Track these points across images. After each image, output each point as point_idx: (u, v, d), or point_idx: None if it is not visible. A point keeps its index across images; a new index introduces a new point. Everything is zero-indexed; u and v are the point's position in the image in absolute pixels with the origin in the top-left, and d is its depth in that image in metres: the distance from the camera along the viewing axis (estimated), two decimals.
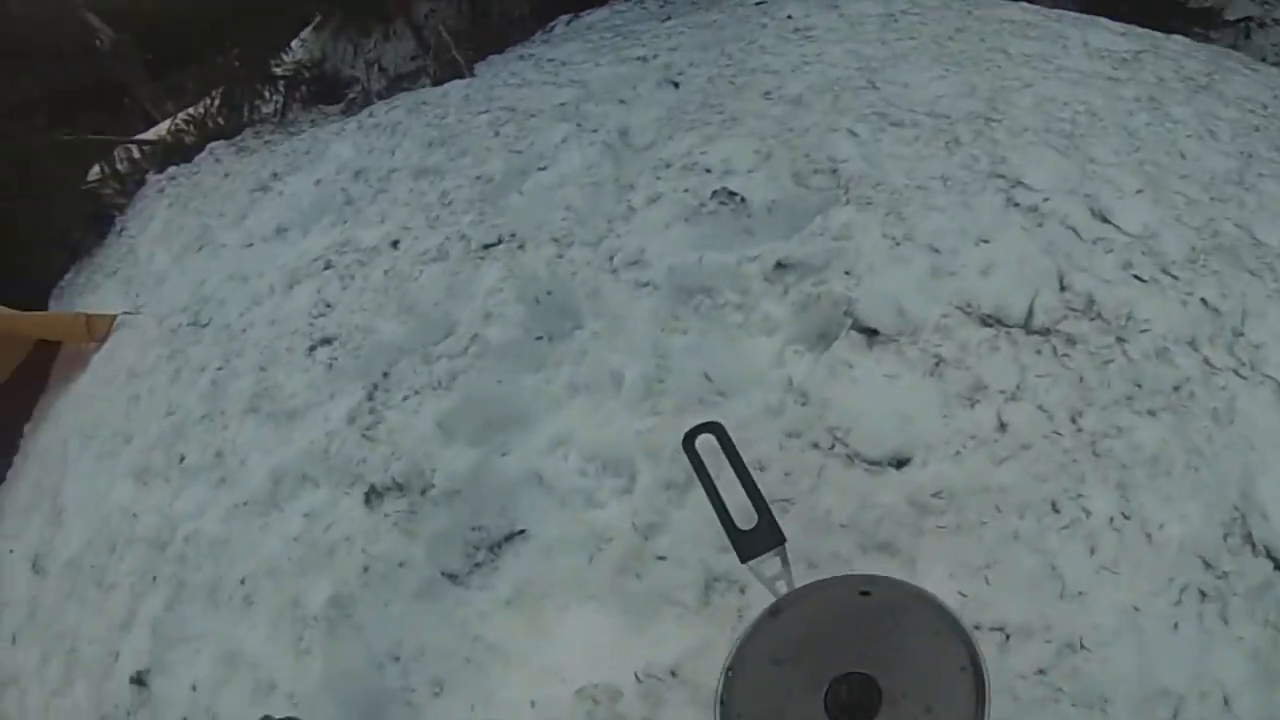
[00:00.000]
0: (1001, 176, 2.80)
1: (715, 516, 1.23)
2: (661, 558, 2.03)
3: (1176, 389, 2.12)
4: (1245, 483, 1.95)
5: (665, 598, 1.99)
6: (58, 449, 4.14)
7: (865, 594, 1.01)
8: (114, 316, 4.92)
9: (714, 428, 1.18)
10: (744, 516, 1.54)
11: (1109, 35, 3.89)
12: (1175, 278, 2.38)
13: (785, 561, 1.07)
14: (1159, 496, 1.93)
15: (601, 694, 1.90)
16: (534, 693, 2.00)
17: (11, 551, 3.74)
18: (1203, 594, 1.79)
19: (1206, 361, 2.18)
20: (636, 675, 1.91)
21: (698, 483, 1.96)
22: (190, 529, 2.80)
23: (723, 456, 1.17)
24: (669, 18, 5.27)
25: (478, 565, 2.28)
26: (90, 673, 2.70)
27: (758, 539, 1.09)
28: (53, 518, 3.62)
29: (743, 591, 1.92)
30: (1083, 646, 1.75)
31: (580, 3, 6.14)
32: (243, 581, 2.51)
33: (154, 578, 2.77)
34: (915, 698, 0.89)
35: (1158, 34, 4.03)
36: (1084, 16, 4.25)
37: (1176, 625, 1.75)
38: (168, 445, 3.24)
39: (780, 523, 1.84)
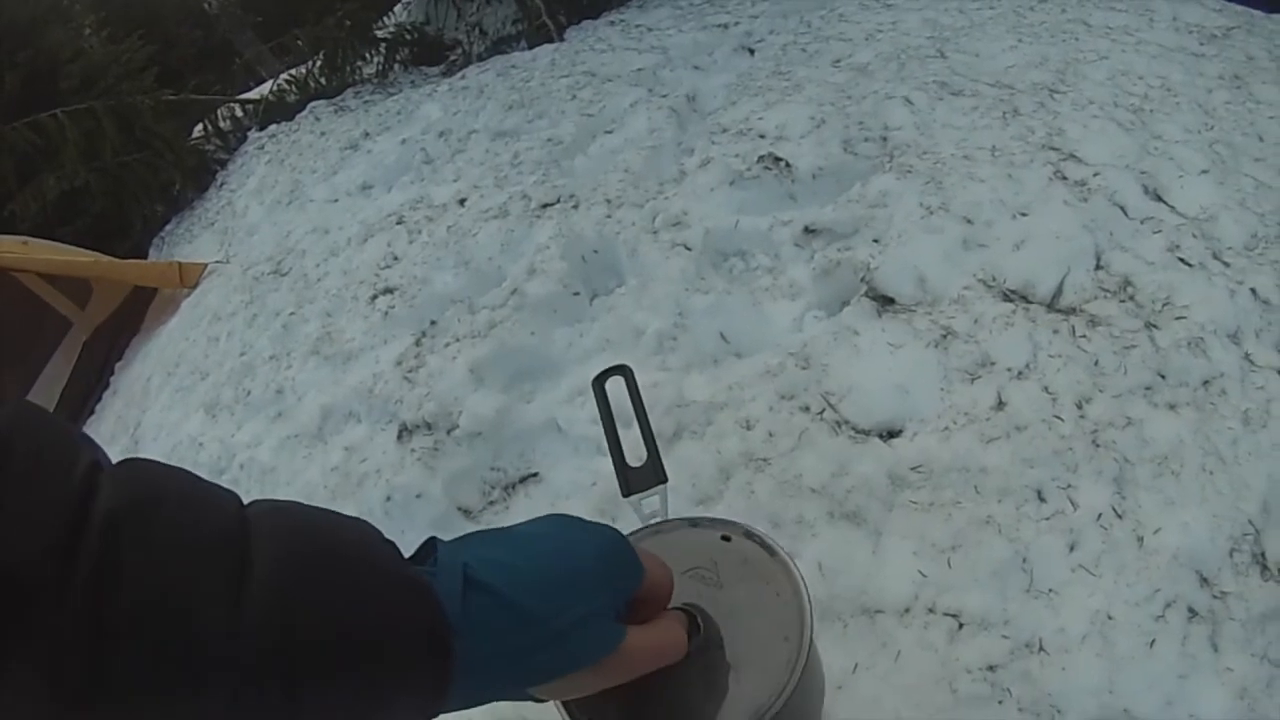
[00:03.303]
0: (1054, 149, 2.82)
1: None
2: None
3: (1206, 384, 2.06)
4: (1270, 495, 1.85)
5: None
6: (141, 385, 4.58)
7: (726, 539, 1.00)
8: (205, 265, 5.39)
9: (623, 370, 1.30)
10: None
11: (1202, 10, 3.86)
12: (1226, 264, 2.34)
13: (664, 501, 1.17)
14: (1160, 498, 1.85)
15: None
16: None
17: None
18: (1192, 612, 1.68)
19: (1247, 357, 2.11)
20: None
21: (684, 437, 2.11)
22: (246, 457, 3.09)
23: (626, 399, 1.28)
24: None
25: (490, 503, 2.46)
26: None
27: (643, 477, 1.19)
28: (130, 447, 4.00)
29: None
30: (1042, 649, 1.67)
31: None
32: None
33: None
34: (730, 648, 0.89)
35: (1256, 11, 3.95)
36: None
37: (1153, 643, 1.64)
38: (237, 382, 3.56)
39: (751, 483, 1.96)
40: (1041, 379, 2.12)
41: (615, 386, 1.22)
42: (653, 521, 1.10)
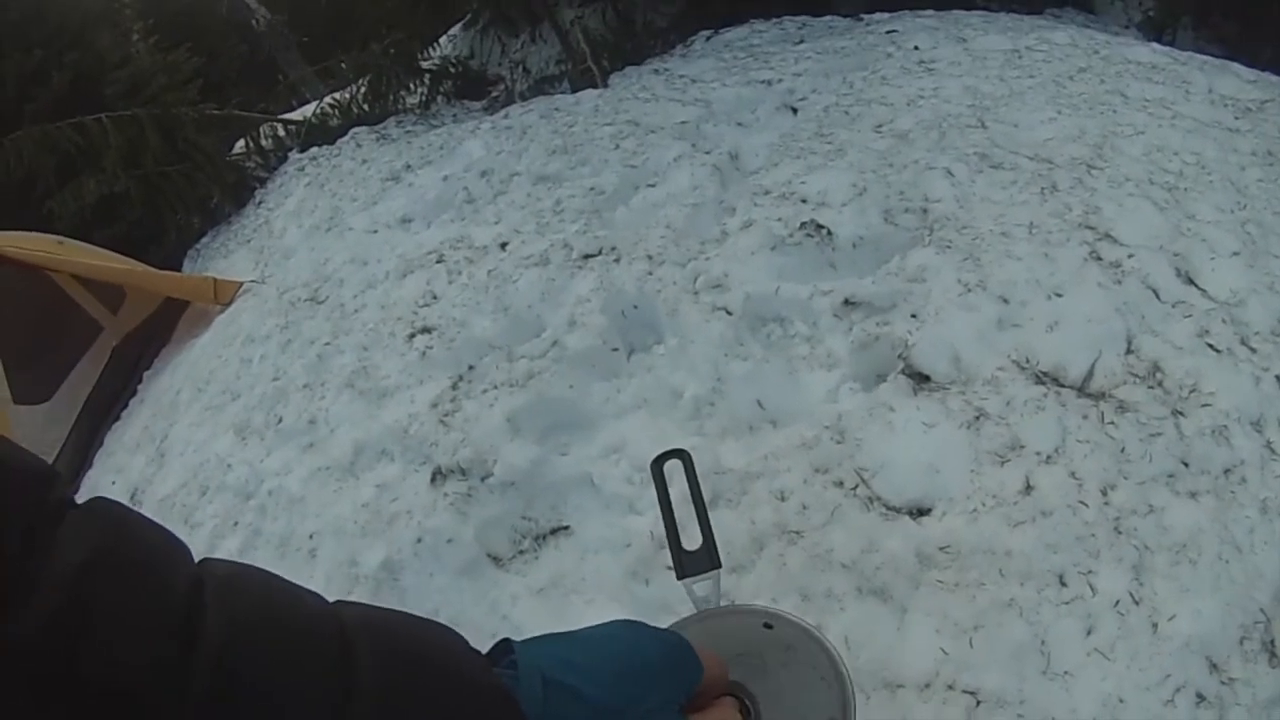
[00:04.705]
0: (1091, 228, 2.87)
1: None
2: (669, 568, 2.19)
3: (1227, 472, 2.09)
4: None
5: (664, 606, 2.12)
6: (170, 397, 4.69)
7: (768, 626, 1.04)
8: (240, 283, 5.50)
9: (681, 455, 1.36)
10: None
11: (1237, 82, 3.93)
12: (1253, 350, 2.38)
13: (717, 585, 1.22)
14: (1176, 586, 1.89)
15: None
16: None
17: (113, 483, 4.27)
18: (1200, 697, 1.73)
19: (1269, 446, 2.14)
20: None
21: (719, 505, 2.16)
22: (274, 484, 3.16)
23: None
24: (802, 40, 5.58)
25: (521, 552, 2.52)
26: None
27: (697, 561, 1.25)
28: (155, 458, 4.12)
29: None
30: None
31: (722, 18, 6.45)
32: (311, 537, 2.84)
33: (235, 522, 3.16)
34: None
35: None
36: (1215, 61, 4.29)
37: None
38: (269, 407, 3.65)
39: (783, 555, 2.01)
40: (1069, 464, 2.16)
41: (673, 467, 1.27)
42: (704, 607, 1.16)
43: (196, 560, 0.58)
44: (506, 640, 0.72)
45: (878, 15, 6.02)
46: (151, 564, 0.53)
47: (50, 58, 9.11)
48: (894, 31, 5.37)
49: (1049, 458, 2.19)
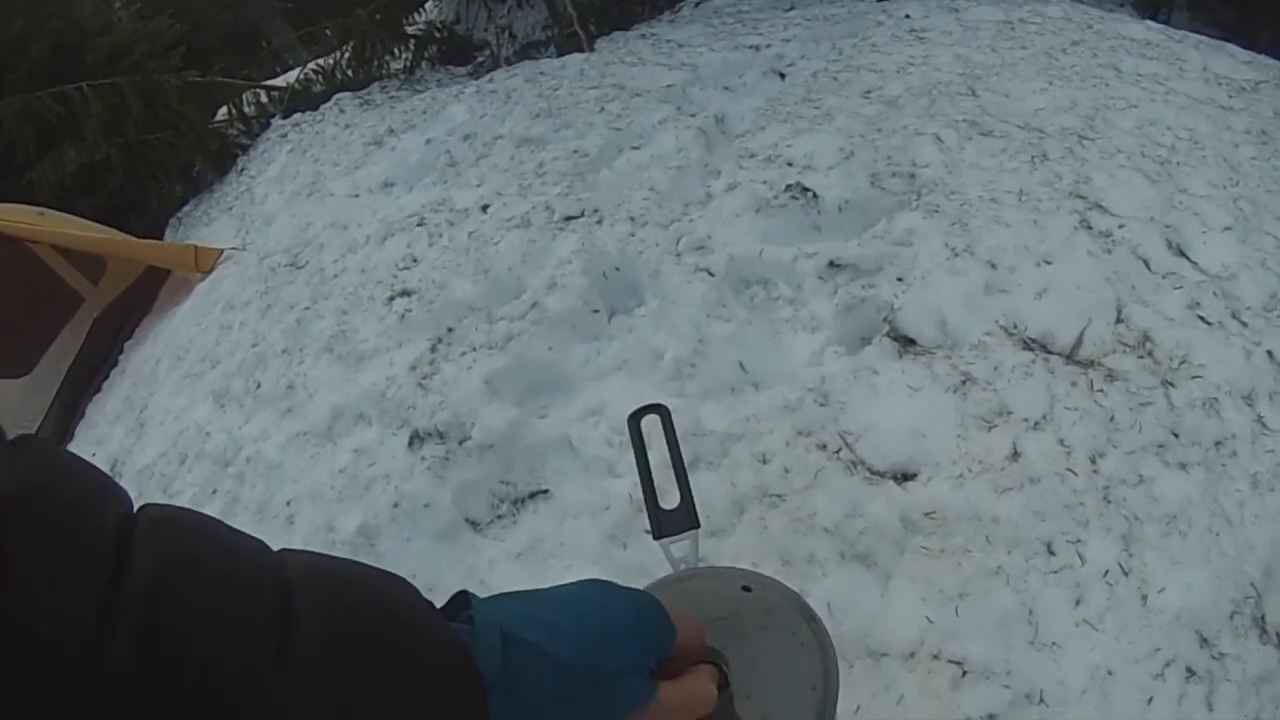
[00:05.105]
0: (1081, 197, 2.85)
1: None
2: (646, 531, 2.14)
3: (1218, 444, 2.09)
4: (1272, 560, 1.88)
5: (642, 570, 2.10)
6: (150, 366, 4.62)
7: (747, 589, 1.01)
8: (220, 250, 5.42)
9: (659, 409, 1.31)
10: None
11: (1232, 63, 3.90)
12: (1244, 324, 2.37)
13: (695, 546, 1.18)
14: (1166, 557, 1.88)
15: None
16: None
17: (94, 454, 4.18)
18: (1190, 671, 1.72)
19: (1260, 420, 2.14)
20: None
21: (699, 468, 2.12)
22: (252, 450, 3.11)
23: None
24: (791, 8, 5.53)
25: (499, 516, 2.49)
26: None
27: (675, 520, 1.20)
28: (135, 428, 4.05)
29: None
30: (1042, 700, 1.70)
31: None
32: (288, 503, 2.79)
33: (213, 490, 3.11)
34: (757, 699, 0.91)
35: None
36: (1211, 41, 4.25)
37: (1151, 699, 1.68)
38: (248, 374, 3.59)
39: (764, 519, 1.98)
40: (1057, 431, 2.14)
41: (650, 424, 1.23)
42: (681, 568, 1.11)
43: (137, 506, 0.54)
44: (464, 592, 0.68)
45: None
46: (80, 503, 0.49)
47: (30, 27, 9.00)
48: (886, 0, 5.32)
49: (1037, 424, 2.17)
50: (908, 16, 4.82)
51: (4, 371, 4.98)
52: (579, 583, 0.74)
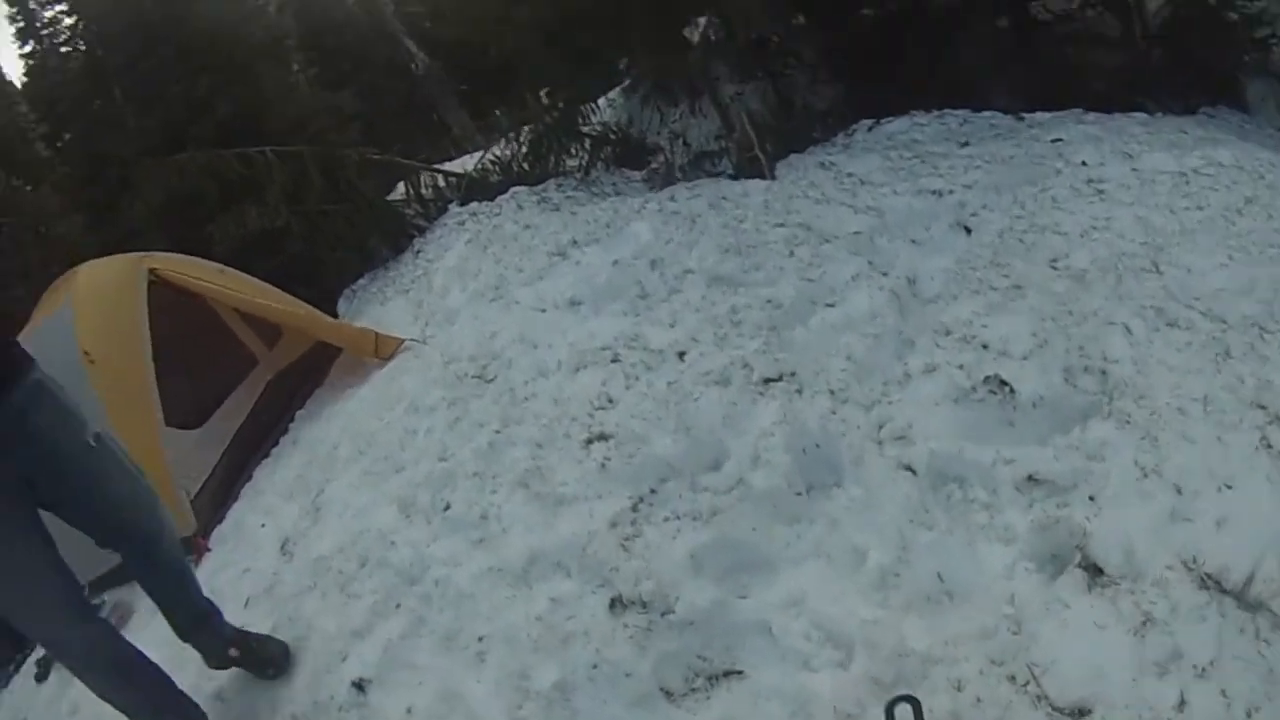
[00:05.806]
0: (1262, 407, 2.77)
1: None
2: None
3: None
4: None
5: None
6: (327, 449, 4.77)
7: None
8: (401, 340, 5.61)
9: (911, 700, 1.43)
10: None
11: None
12: None
13: None
14: None
15: None
16: None
17: (263, 525, 4.35)
18: None
19: None
20: None
21: (899, 688, 2.22)
22: (441, 574, 3.19)
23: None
24: (967, 143, 5.61)
25: (693, 690, 2.57)
26: (315, 660, 3.09)
27: None
28: (310, 511, 4.16)
29: None
30: None
31: (880, 106, 6.49)
32: (480, 639, 2.86)
33: (397, 605, 3.16)
34: None
35: None
36: None
37: None
38: (435, 489, 3.68)
39: None
40: (1222, 681, 2.13)
41: None
42: None
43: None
44: None
45: (1039, 116, 6.00)
46: None
47: (216, 86, 9.64)
48: (1059, 140, 5.35)
49: (1204, 671, 2.16)
50: (1084, 164, 4.84)
51: (175, 421, 5.03)
52: None
